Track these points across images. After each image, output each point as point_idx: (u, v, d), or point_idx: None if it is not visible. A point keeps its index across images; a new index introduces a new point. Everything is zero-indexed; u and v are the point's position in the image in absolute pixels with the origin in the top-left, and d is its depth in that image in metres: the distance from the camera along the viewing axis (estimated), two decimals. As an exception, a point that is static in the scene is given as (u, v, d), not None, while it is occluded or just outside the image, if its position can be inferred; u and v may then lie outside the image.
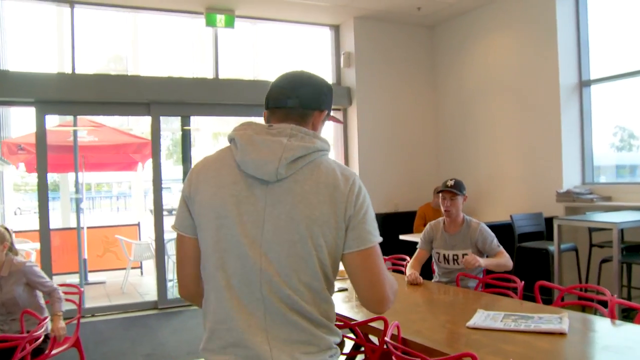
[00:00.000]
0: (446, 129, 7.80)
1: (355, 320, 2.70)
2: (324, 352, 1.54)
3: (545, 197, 6.11)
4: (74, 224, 8.76)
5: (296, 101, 1.60)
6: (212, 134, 20.44)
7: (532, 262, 5.57)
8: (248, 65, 7.79)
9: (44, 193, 6.11)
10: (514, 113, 6.66)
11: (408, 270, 3.83)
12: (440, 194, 3.93)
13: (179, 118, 6.90)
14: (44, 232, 6.07)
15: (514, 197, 6.65)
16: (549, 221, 5.75)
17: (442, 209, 3.94)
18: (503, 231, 5.63)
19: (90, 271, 9.08)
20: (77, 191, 6.88)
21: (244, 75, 7.19)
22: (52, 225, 5.95)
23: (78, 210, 6.77)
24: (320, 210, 1.49)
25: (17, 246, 3.68)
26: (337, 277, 1.64)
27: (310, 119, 1.64)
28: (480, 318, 2.68)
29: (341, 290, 3.42)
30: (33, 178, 22.78)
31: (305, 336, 1.51)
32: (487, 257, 3.83)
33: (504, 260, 3.70)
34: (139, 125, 12.38)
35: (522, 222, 5.59)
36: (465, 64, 7.38)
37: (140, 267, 9.50)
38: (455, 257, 3.91)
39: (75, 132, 6.64)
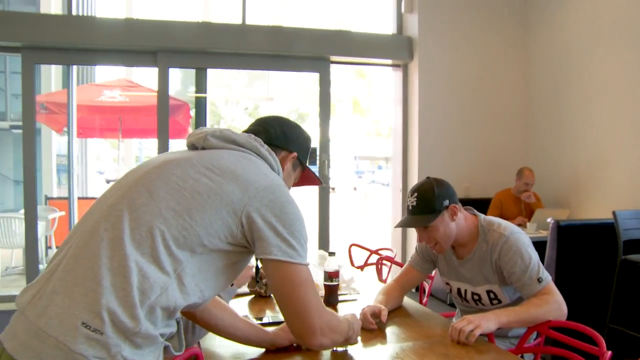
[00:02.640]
0: (538, 94, 5.98)
1: None
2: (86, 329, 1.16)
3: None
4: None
5: (264, 136, 1.60)
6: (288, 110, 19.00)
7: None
8: (292, 10, 6.36)
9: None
10: (632, 76, 4.76)
11: (376, 299, 2.33)
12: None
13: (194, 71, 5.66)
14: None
15: (624, 188, 4.79)
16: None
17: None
18: (603, 235, 3.90)
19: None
20: (68, 157, 5.83)
21: (288, 23, 5.75)
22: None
23: (70, 179, 5.80)
24: (213, 183, 1.35)
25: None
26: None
27: (277, 157, 1.58)
28: None
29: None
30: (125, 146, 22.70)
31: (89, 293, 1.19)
32: (515, 301, 2.26)
33: (542, 311, 2.02)
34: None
35: (631, 223, 3.80)
36: (569, 8, 5.52)
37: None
38: (477, 298, 2.33)
39: (69, 90, 5.63)
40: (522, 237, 2.18)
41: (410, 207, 2.23)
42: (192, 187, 1.33)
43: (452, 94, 5.93)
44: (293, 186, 1.79)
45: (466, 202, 5.71)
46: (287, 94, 21.26)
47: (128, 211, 1.29)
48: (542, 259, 3.74)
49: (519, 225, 5.03)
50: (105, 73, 12.32)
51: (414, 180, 5.91)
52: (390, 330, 2.08)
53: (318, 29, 5.76)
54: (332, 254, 2.40)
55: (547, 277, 2.10)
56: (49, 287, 1.21)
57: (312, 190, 6.03)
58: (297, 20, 6.32)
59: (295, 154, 1.66)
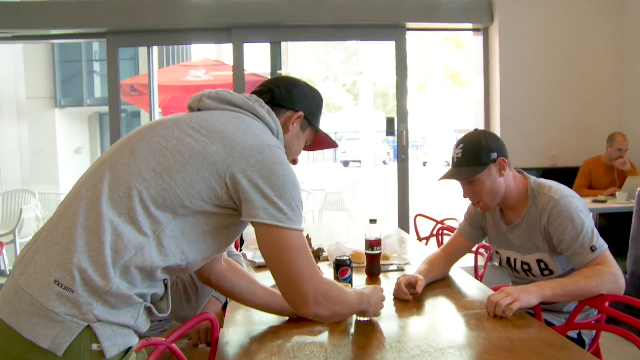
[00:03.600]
0: (634, 54, 5.45)
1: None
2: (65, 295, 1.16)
3: None
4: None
5: (268, 96, 1.54)
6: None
7: None
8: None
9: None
10: None
11: (418, 268, 2.19)
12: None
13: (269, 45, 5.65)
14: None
15: None
16: None
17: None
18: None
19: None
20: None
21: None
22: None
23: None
24: (197, 143, 1.31)
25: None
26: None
27: (281, 117, 1.54)
28: None
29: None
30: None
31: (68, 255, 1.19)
32: (568, 272, 2.03)
33: (594, 283, 1.81)
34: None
35: None
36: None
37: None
38: (527, 268, 2.13)
39: (150, 71, 5.84)
40: (574, 201, 1.98)
41: (455, 160, 2.05)
42: (174, 148, 1.30)
43: (537, 57, 5.52)
44: (307, 150, 1.73)
45: (553, 172, 5.35)
46: (381, 67, 21.00)
47: (110, 172, 1.28)
48: (628, 230, 3.46)
49: (611, 195, 4.66)
50: (200, 53, 12.76)
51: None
52: (427, 302, 1.97)
53: (393, -4, 5.57)
54: (373, 221, 2.31)
55: (603, 245, 1.90)
56: (34, 246, 1.24)
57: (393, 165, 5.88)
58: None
59: (301, 113, 1.57)
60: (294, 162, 1.61)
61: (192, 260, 1.34)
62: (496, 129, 5.58)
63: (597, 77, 5.63)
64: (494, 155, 2.02)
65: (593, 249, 1.87)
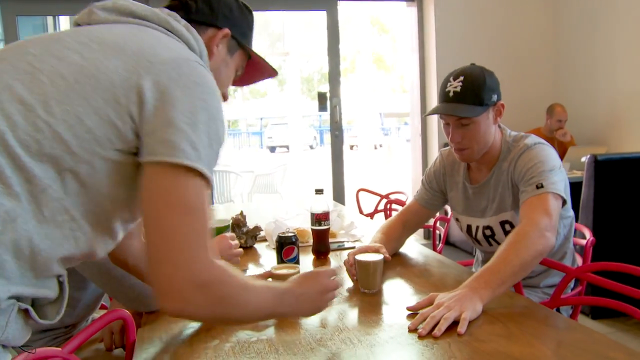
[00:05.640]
0: (568, 22, 5.35)
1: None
2: None
3: None
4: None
5: (182, 12, 1.14)
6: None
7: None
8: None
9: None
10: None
11: (374, 237, 1.91)
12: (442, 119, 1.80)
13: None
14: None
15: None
16: None
17: (451, 146, 1.83)
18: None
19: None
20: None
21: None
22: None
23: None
24: (85, 61, 0.92)
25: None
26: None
27: (202, 37, 1.13)
28: None
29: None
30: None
31: None
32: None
33: (524, 248, 1.43)
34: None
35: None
36: None
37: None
38: (490, 234, 1.86)
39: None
40: (550, 150, 1.72)
41: (451, 93, 1.70)
42: (52, 69, 0.91)
43: (472, 28, 5.32)
44: (240, 84, 1.34)
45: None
46: (306, 51, 20.72)
47: None
48: (578, 200, 3.30)
49: (552, 167, 4.54)
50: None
51: (433, 135, 5.40)
52: (390, 283, 1.66)
53: (322, -38, 5.23)
54: (319, 191, 1.98)
55: (554, 189, 1.58)
56: None
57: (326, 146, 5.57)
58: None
59: (227, 30, 1.19)
60: (224, 97, 1.20)
61: (91, 236, 0.95)
62: (433, 106, 5.37)
63: (532, 47, 5.50)
64: (495, 98, 1.73)
65: (538, 187, 1.59)
